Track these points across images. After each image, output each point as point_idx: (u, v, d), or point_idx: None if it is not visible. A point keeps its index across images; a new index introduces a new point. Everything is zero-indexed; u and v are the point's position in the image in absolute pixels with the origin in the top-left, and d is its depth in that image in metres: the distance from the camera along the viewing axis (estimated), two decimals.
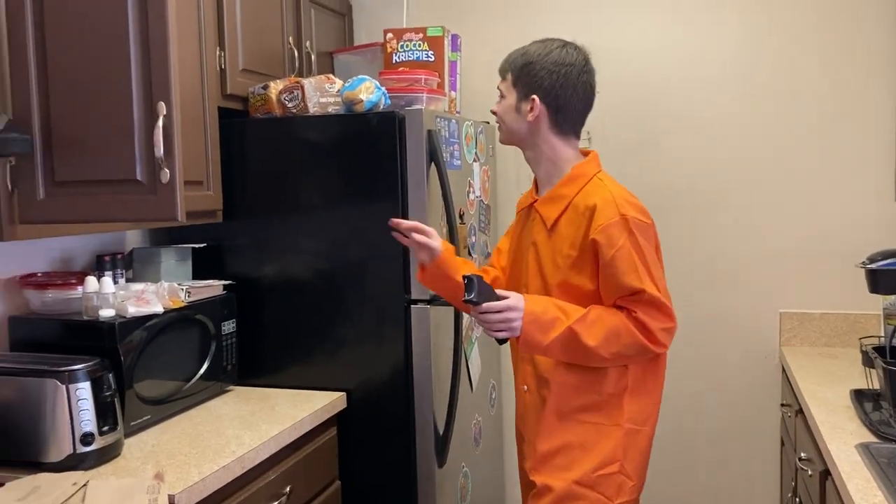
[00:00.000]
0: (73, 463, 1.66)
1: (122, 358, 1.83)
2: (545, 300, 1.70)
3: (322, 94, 2.28)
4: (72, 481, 1.59)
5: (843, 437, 1.78)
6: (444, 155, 2.24)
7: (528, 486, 1.83)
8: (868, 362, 2.05)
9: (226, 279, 2.29)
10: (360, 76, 2.25)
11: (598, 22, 2.86)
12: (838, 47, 2.66)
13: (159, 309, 1.95)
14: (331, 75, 2.35)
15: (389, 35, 2.62)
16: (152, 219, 1.61)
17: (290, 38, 2.57)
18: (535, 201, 1.84)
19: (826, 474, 1.78)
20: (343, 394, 2.24)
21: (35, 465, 1.66)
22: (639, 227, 1.68)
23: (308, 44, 2.69)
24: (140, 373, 1.90)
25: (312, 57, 2.70)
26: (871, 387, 2.07)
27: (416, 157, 2.17)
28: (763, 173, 2.75)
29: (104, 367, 1.74)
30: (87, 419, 1.67)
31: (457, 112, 2.68)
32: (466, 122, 2.53)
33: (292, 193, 2.27)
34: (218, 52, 2.21)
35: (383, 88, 2.25)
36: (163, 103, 1.53)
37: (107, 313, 1.87)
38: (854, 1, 2.64)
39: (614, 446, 1.73)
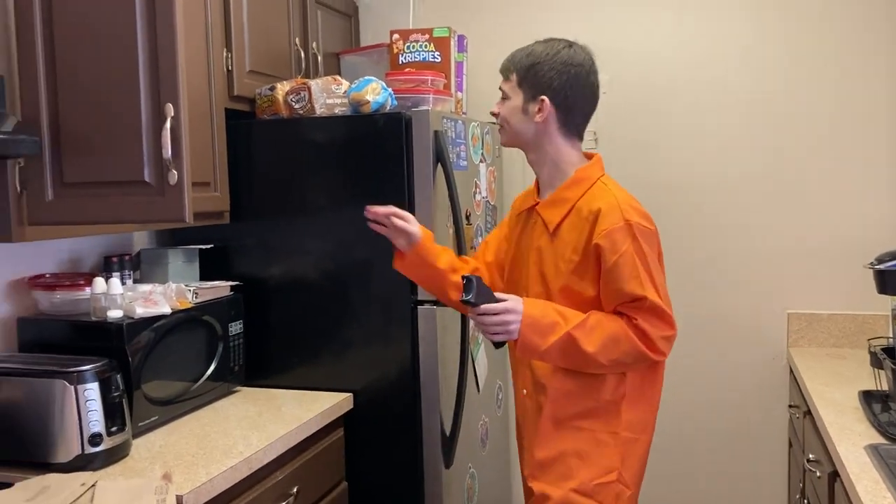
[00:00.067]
0: (82, 463, 1.67)
1: (129, 359, 1.84)
2: (545, 304, 1.68)
3: (329, 96, 2.28)
4: (80, 482, 1.59)
5: (851, 439, 1.77)
6: (450, 156, 2.24)
7: (528, 493, 1.81)
8: (877, 363, 2.05)
9: (233, 280, 2.29)
10: (366, 77, 2.25)
11: (605, 22, 2.85)
12: (849, 47, 2.65)
13: (167, 310, 1.95)
14: (337, 76, 2.35)
15: (396, 36, 2.63)
16: (160, 220, 1.61)
17: (297, 40, 2.58)
18: (537, 204, 1.81)
19: (835, 476, 1.77)
20: (350, 395, 2.24)
21: (44, 465, 1.67)
22: (643, 233, 1.66)
23: (314, 45, 2.69)
24: (148, 373, 1.90)
25: (319, 58, 2.71)
26: (879, 388, 2.06)
27: (422, 158, 2.17)
28: (771, 173, 2.74)
29: (112, 368, 1.74)
30: (96, 420, 1.68)
31: (463, 113, 2.69)
32: (473, 123, 2.53)
33: (299, 194, 2.28)
34: (225, 54, 2.21)
35: (390, 89, 2.25)
36: (171, 105, 1.53)
37: (115, 314, 1.88)
38: (865, 2, 2.63)
39: (612, 455, 1.70)
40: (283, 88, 2.29)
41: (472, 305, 1.61)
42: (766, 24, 2.73)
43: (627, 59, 2.82)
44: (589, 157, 1.81)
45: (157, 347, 1.94)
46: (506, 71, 1.79)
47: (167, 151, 1.53)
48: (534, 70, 1.73)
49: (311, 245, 2.28)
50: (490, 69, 1.97)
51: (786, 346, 2.76)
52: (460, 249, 2.24)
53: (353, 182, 2.23)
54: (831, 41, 2.67)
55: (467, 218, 2.40)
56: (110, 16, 1.56)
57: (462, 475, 2.38)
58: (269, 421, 2.01)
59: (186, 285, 2.11)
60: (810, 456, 2.08)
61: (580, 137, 1.80)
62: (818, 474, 1.94)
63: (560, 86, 1.72)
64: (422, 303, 2.20)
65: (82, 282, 1.97)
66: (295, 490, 1.95)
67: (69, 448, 1.66)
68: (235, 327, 2.24)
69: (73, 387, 1.66)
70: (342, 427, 2.23)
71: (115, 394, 1.73)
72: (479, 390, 2.52)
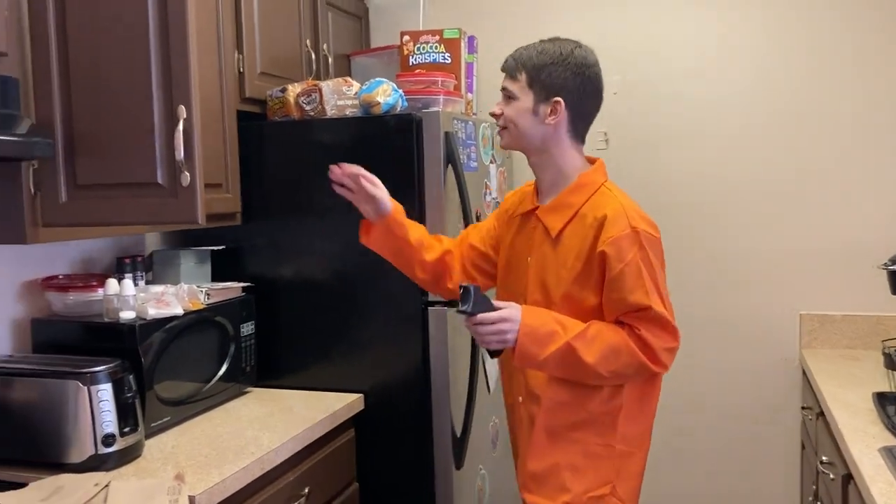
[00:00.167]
0: (95, 464, 1.68)
1: (142, 359, 1.85)
2: (544, 313, 1.62)
3: (339, 97, 2.28)
4: (94, 482, 1.60)
5: (865, 441, 1.76)
6: (460, 157, 2.24)
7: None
8: (891, 365, 2.03)
9: (244, 281, 2.30)
10: (377, 79, 2.25)
11: (616, 22, 2.84)
12: (861, 47, 2.64)
13: (179, 311, 1.96)
14: (348, 78, 2.36)
15: (406, 37, 2.63)
16: (173, 221, 1.62)
17: (308, 41, 2.58)
18: (536, 208, 1.74)
19: (848, 478, 1.76)
20: (360, 395, 2.25)
21: (57, 465, 1.68)
22: (649, 241, 1.61)
23: (325, 46, 2.70)
24: (160, 374, 1.91)
25: (329, 60, 2.71)
26: (893, 389, 2.05)
27: (433, 159, 2.17)
28: (784, 173, 2.73)
29: (125, 369, 1.75)
30: (109, 420, 1.69)
31: (473, 114, 2.69)
32: (483, 124, 2.53)
33: (310, 195, 2.28)
34: (236, 56, 2.22)
35: (400, 91, 2.26)
36: (183, 107, 1.54)
37: (127, 315, 1.89)
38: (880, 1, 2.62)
39: (607, 467, 1.65)
40: (293, 90, 2.30)
41: (468, 315, 1.56)
42: (776, 24, 2.71)
43: (638, 58, 2.81)
44: (591, 161, 1.75)
45: (170, 348, 1.95)
46: (513, 70, 1.70)
47: (180, 153, 1.54)
48: (547, 70, 1.65)
49: (322, 246, 2.28)
50: (500, 70, 1.97)
51: (798, 347, 2.74)
52: None
53: None
54: (844, 41, 2.65)
55: (478, 219, 2.40)
56: (123, 19, 1.57)
57: (473, 476, 2.38)
58: (281, 422, 2.02)
59: (198, 286, 2.12)
60: (823, 458, 2.07)
61: (584, 141, 1.74)
62: (832, 476, 1.92)
63: (574, 87, 1.65)
64: (432, 304, 2.20)
65: (95, 283, 1.98)
66: (306, 491, 1.95)
67: (83, 448, 1.67)
68: (247, 328, 2.25)
69: (86, 387, 1.67)
70: (353, 428, 2.23)
71: (128, 394, 1.74)
72: (489, 391, 2.52)
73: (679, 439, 2.83)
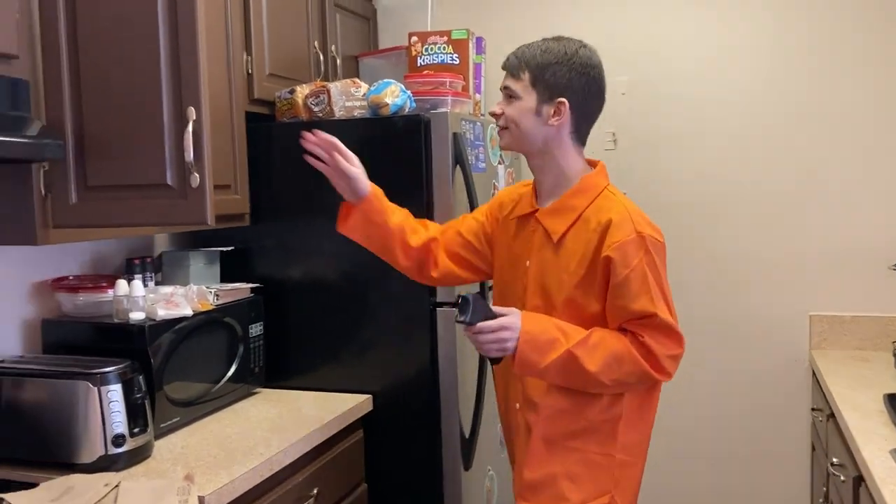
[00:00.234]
0: (105, 464, 1.68)
1: (151, 360, 1.85)
2: (545, 320, 1.58)
3: (348, 98, 2.29)
4: (104, 482, 1.61)
5: (876, 443, 1.75)
6: (469, 157, 2.24)
7: None
8: None
9: (253, 282, 2.30)
10: (385, 80, 2.26)
11: (624, 21, 2.84)
12: (874, 47, 2.63)
13: (188, 312, 1.97)
14: (356, 79, 2.36)
15: (414, 38, 2.63)
16: (182, 223, 1.62)
17: (316, 43, 2.59)
18: (536, 211, 1.69)
19: (860, 480, 1.75)
20: (369, 396, 2.25)
21: (68, 466, 1.68)
22: (654, 246, 1.57)
23: (333, 48, 2.70)
24: (169, 375, 1.92)
25: (338, 61, 2.72)
26: None
27: (441, 160, 2.17)
28: (794, 173, 2.72)
29: (135, 370, 1.76)
30: (119, 421, 1.69)
31: (481, 114, 2.69)
32: (491, 125, 2.53)
33: (318, 196, 2.27)
34: (245, 58, 2.23)
35: (408, 92, 2.26)
36: (192, 108, 1.55)
37: (137, 316, 1.89)
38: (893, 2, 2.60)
39: (605, 477, 1.62)
40: (302, 91, 2.30)
41: (468, 325, 1.53)
42: (777, 24, 2.70)
43: (639, 59, 2.80)
44: (592, 164, 1.70)
45: (179, 349, 1.95)
46: (515, 69, 1.64)
47: (189, 154, 1.54)
48: (552, 70, 1.60)
49: (330, 247, 2.29)
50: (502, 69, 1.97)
51: (808, 348, 2.73)
52: None
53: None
54: (856, 41, 2.64)
55: None
56: (133, 21, 1.58)
57: (481, 477, 2.38)
58: (290, 422, 2.02)
59: (207, 287, 2.13)
60: (834, 460, 2.05)
61: (585, 144, 1.70)
62: (842, 478, 1.91)
63: (580, 88, 1.61)
64: (441, 304, 2.20)
65: (105, 284, 1.99)
66: (315, 492, 1.96)
67: (93, 449, 1.68)
68: (256, 329, 2.25)
69: (96, 388, 1.68)
70: (361, 429, 2.23)
71: (138, 395, 1.74)
72: None
73: (689, 441, 2.82)
